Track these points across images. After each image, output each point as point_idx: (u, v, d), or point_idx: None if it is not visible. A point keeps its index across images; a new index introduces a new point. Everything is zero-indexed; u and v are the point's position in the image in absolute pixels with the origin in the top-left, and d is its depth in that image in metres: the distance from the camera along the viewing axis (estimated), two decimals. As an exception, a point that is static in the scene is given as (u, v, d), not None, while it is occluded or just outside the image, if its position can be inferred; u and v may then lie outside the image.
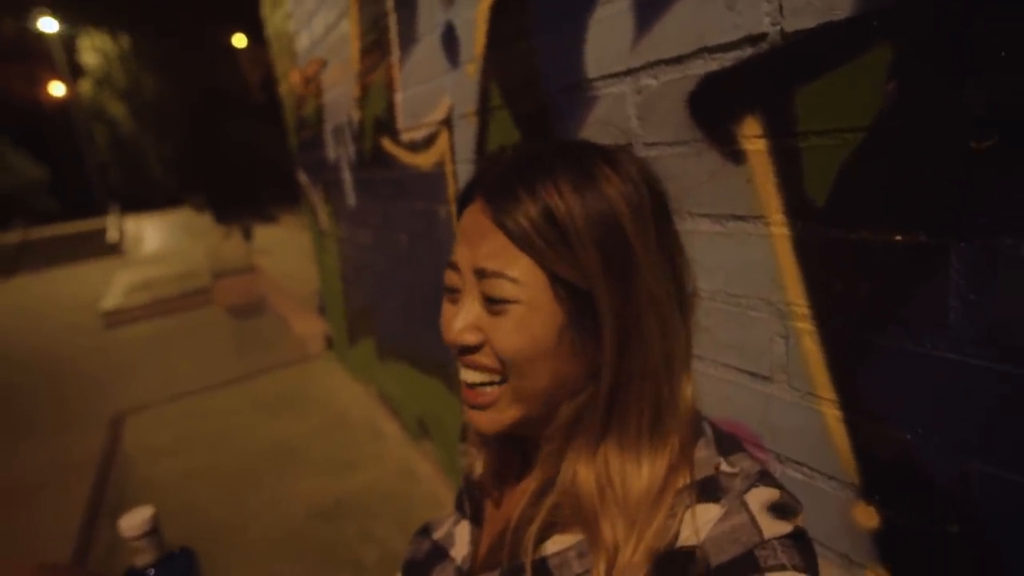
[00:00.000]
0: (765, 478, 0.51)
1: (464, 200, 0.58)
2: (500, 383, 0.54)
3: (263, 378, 4.20)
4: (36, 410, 4.21)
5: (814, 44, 0.68)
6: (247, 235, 12.85)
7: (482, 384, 0.55)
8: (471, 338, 0.53)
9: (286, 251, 9.61)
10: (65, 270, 13.26)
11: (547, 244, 0.50)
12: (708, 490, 0.50)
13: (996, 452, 0.60)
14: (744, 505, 0.48)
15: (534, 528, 0.54)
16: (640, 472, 0.51)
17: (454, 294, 0.56)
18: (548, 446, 0.57)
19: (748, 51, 0.76)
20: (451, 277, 0.56)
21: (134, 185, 27.02)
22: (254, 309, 6.80)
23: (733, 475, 0.51)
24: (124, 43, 25.70)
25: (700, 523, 0.47)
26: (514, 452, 0.66)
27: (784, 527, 0.47)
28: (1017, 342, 0.57)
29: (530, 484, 0.58)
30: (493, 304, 0.52)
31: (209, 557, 2.25)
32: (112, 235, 17.02)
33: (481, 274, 0.52)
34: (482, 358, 0.54)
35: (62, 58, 24.25)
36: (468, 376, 0.56)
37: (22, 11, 24.07)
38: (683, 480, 0.51)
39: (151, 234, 17.70)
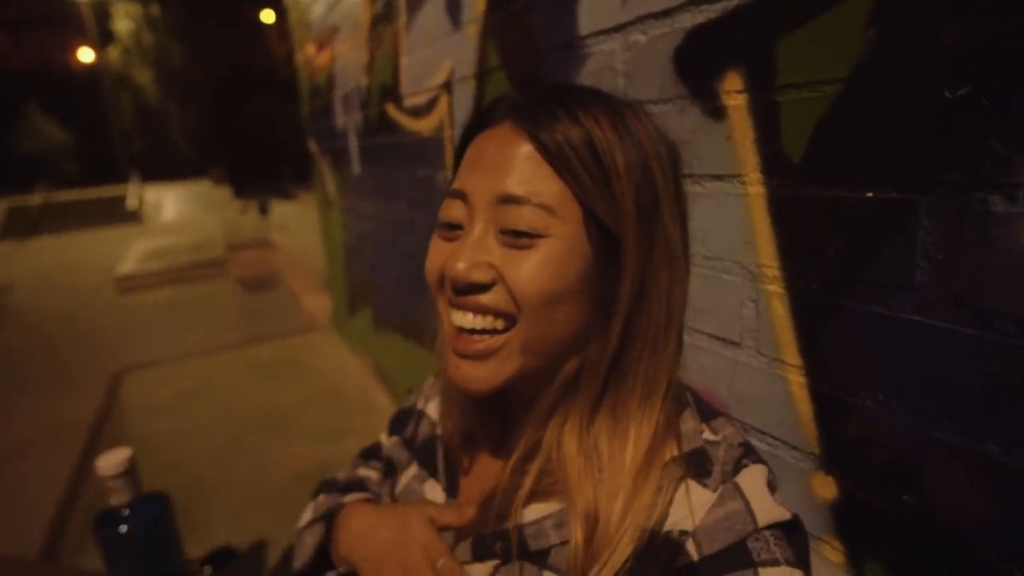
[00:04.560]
0: (750, 452, 0.49)
1: (475, 128, 0.53)
2: (504, 331, 0.48)
3: (264, 345, 4.24)
4: (42, 369, 4.28)
5: (798, -9, 0.66)
6: (264, 210, 12.95)
7: (482, 331, 0.49)
8: (482, 275, 0.47)
9: (301, 227, 9.64)
10: (84, 235, 13.45)
11: (588, 174, 0.46)
12: (697, 464, 0.48)
13: (956, 421, 0.58)
14: (738, 490, 0.46)
15: (522, 494, 0.51)
16: (627, 439, 0.49)
17: (453, 230, 0.50)
18: (538, 407, 0.53)
19: (733, 2, 0.73)
20: (452, 208, 0.50)
21: (156, 154, 27.28)
22: (266, 283, 6.84)
23: (717, 443, 0.49)
24: (154, 11, 25.89)
25: (695, 506, 0.45)
26: (496, 414, 0.62)
27: (778, 513, 0.45)
28: (983, 303, 0.54)
29: (514, 449, 0.54)
30: (517, 237, 0.46)
31: (195, 513, 2.29)
32: (132, 202, 17.22)
33: (506, 200, 0.46)
34: (489, 299, 0.48)
35: (92, 25, 24.50)
36: (465, 320, 0.49)
37: (55, -24, 24.36)
38: (670, 452, 0.48)
39: (170, 204, 17.88)
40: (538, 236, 0.46)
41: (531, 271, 0.46)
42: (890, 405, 0.64)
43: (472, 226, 0.49)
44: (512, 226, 0.46)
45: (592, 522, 0.47)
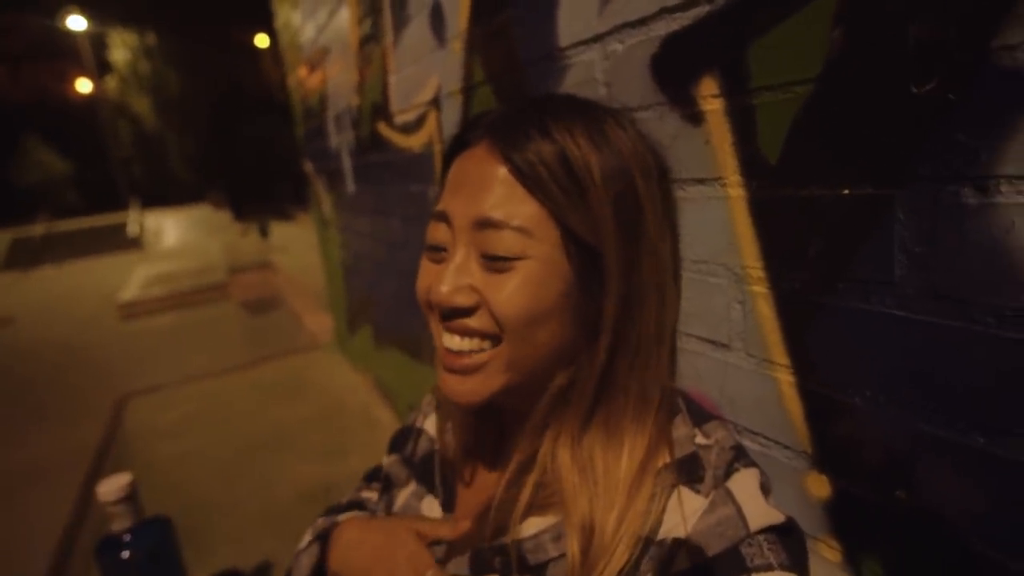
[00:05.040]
0: (741, 455, 0.49)
1: (455, 148, 0.53)
2: (491, 348, 0.49)
3: (267, 366, 4.24)
4: (47, 398, 4.29)
5: (766, -5, 0.67)
6: (264, 232, 13.03)
7: (472, 351, 0.49)
8: (464, 300, 0.48)
9: (301, 248, 9.69)
10: (86, 263, 13.53)
11: (561, 190, 0.45)
12: (689, 470, 0.47)
13: (941, 413, 0.58)
14: (729, 495, 0.45)
15: (519, 508, 0.50)
16: (621, 451, 0.49)
17: (439, 252, 0.51)
18: (532, 420, 0.53)
19: (705, 8, 0.74)
20: (437, 232, 0.51)
21: (155, 181, 27.50)
22: (268, 305, 6.86)
23: (709, 447, 0.49)
24: (150, 40, 26.20)
25: (687, 513, 0.45)
26: (491, 428, 0.62)
27: (771, 517, 0.45)
28: (961, 295, 0.55)
29: (509, 463, 0.55)
30: (495, 261, 0.47)
31: (199, 535, 2.28)
32: (132, 229, 17.35)
33: (483, 225, 0.47)
34: (475, 323, 0.48)
35: (89, 55, 24.79)
36: (453, 343, 0.50)
37: (52, 10, 24.66)
38: (663, 460, 0.49)
39: (170, 229, 17.98)
40: (516, 259, 0.46)
41: (510, 294, 0.46)
42: (877, 401, 0.64)
43: (455, 249, 0.49)
44: (490, 251, 0.47)
45: (588, 534, 0.46)
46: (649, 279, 0.49)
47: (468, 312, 0.48)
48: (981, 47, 0.49)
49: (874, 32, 0.57)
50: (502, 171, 0.47)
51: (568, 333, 0.49)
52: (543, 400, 0.51)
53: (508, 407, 0.57)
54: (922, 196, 0.56)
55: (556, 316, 0.47)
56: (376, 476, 0.79)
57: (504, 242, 0.46)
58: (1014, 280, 0.50)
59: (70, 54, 26.35)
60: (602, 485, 0.48)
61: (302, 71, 3.47)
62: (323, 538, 0.66)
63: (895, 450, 0.63)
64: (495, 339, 0.48)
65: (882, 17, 0.56)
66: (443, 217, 0.50)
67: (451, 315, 0.49)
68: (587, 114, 0.49)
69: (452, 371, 0.50)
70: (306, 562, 0.65)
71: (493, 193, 0.46)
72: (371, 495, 0.76)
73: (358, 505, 0.75)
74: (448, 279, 0.48)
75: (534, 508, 0.51)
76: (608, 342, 0.48)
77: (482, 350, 0.49)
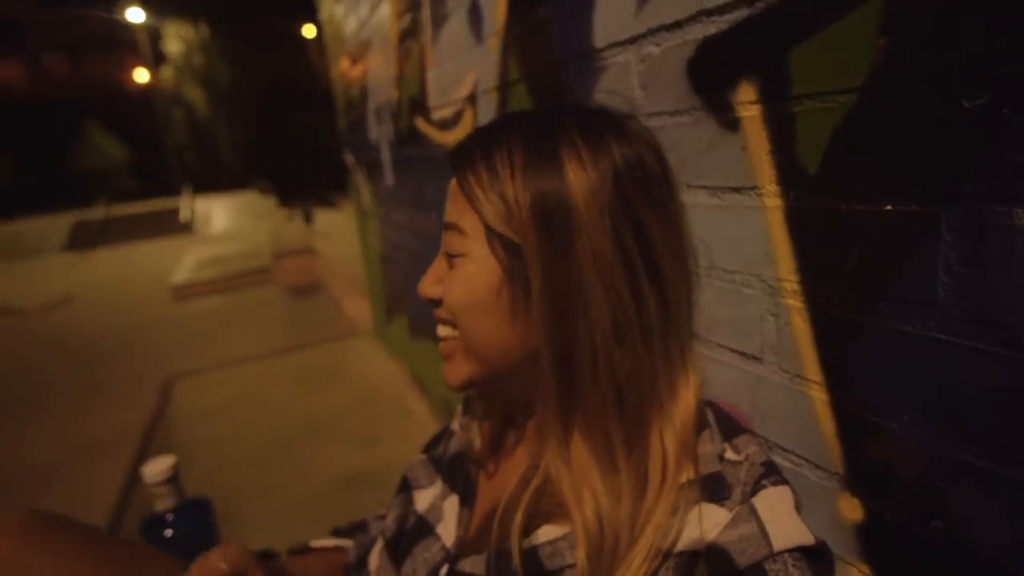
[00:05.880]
0: (771, 472, 0.48)
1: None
2: (456, 337, 0.56)
3: (305, 351, 4.36)
4: (99, 377, 4.52)
5: (808, 1, 0.64)
6: (308, 218, 13.32)
7: (446, 338, 0.58)
8: (432, 291, 0.57)
9: (344, 235, 9.88)
10: (141, 246, 14.14)
11: (486, 197, 0.51)
12: (714, 487, 0.47)
13: (984, 444, 0.55)
14: (753, 512, 0.45)
15: (519, 515, 0.51)
16: (615, 459, 0.49)
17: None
18: (534, 420, 0.57)
19: (744, 12, 0.72)
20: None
21: (206, 168, 28.39)
22: (310, 289, 7.04)
23: (738, 463, 0.49)
24: (204, 32, 27.00)
25: (706, 526, 0.45)
26: (510, 426, 0.66)
27: (797, 538, 0.44)
28: (1008, 320, 0.52)
29: (520, 463, 0.59)
30: (450, 258, 0.55)
31: (236, 517, 2.36)
32: (184, 214, 18.00)
33: (446, 227, 0.56)
34: (441, 311, 0.56)
35: (147, 46, 25.71)
36: (438, 329, 0.59)
37: (111, 3, 25.69)
38: (687, 475, 0.48)
39: (219, 214, 18.59)
40: (458, 256, 0.54)
41: (451, 286, 0.54)
42: (915, 426, 0.61)
43: (440, 251, 0.58)
44: (447, 249, 0.55)
45: (596, 542, 0.47)
46: (588, 275, 0.48)
47: (438, 303, 0.56)
48: (1039, 61, 0.46)
49: (923, 41, 0.54)
50: (454, 184, 0.55)
51: (509, 329, 0.53)
52: (525, 401, 0.57)
53: (503, 396, 0.64)
54: (969, 215, 0.53)
55: (490, 310, 0.52)
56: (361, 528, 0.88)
57: (453, 242, 0.54)
58: (1066, 310, 0.47)
59: (129, 45, 27.43)
60: (603, 495, 0.48)
61: (344, 63, 3.52)
62: None
63: (932, 478, 0.60)
64: (455, 327, 0.56)
65: (931, 25, 0.53)
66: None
67: (431, 304, 0.58)
68: (541, 135, 0.52)
69: (442, 358, 0.59)
70: None
71: (452, 201, 0.56)
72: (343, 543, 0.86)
73: (361, 528, 0.85)
74: (428, 275, 0.58)
75: (549, 516, 0.52)
76: (545, 337, 0.49)
77: (453, 337, 0.56)
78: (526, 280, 0.50)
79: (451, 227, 0.55)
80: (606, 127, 0.52)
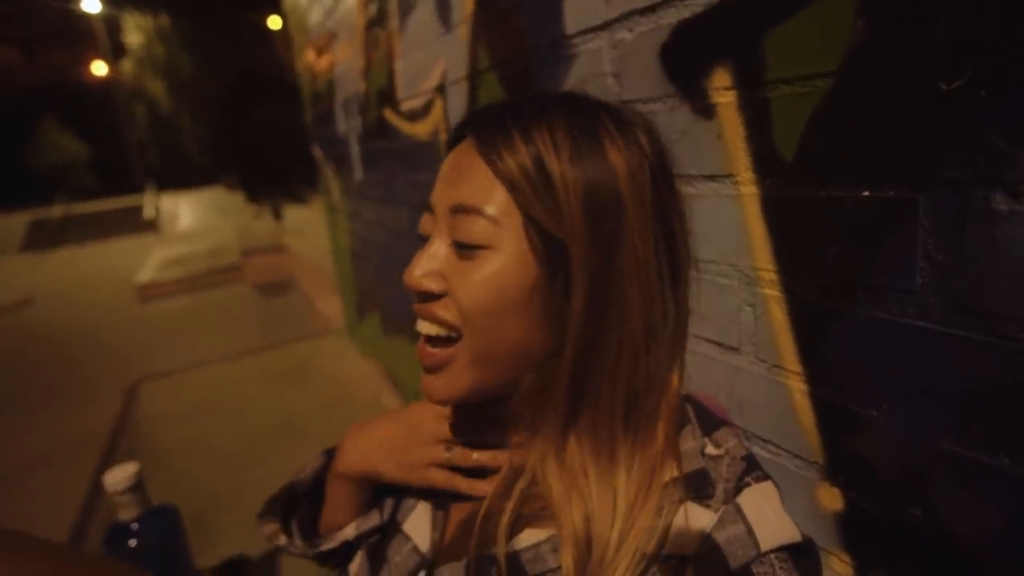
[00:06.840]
0: (752, 467, 0.47)
1: (452, 142, 0.53)
2: (456, 341, 0.48)
3: (278, 351, 4.27)
4: (63, 381, 4.36)
5: (783, -19, 0.63)
6: (277, 215, 13.08)
7: (437, 337, 0.49)
8: (432, 285, 0.48)
9: (315, 231, 9.72)
10: (103, 245, 13.71)
11: (529, 184, 0.44)
12: (697, 486, 0.46)
13: (963, 431, 0.55)
14: (739, 512, 0.43)
15: (505, 519, 0.49)
16: (616, 462, 0.47)
17: (425, 241, 0.51)
18: (520, 422, 0.52)
19: (719, -6, 0.70)
20: (425, 221, 0.51)
21: (170, 163, 27.66)
22: (281, 287, 6.91)
23: (719, 458, 0.47)
24: (164, 22, 26.21)
25: (693, 531, 0.43)
26: (489, 428, 0.60)
27: (784, 536, 0.43)
28: (986, 307, 0.51)
29: (502, 466, 0.54)
30: (463, 249, 0.47)
31: (207, 524, 2.29)
32: (148, 212, 17.50)
33: (456, 211, 0.47)
34: (440, 309, 0.48)
35: (104, 38, 24.84)
36: (423, 326, 0.50)
37: (67, -8, 24.72)
38: (670, 474, 0.46)
39: (185, 212, 18.13)
40: (483, 248, 0.46)
41: (472, 284, 0.46)
42: (895, 415, 0.61)
43: (434, 236, 0.49)
44: (461, 238, 0.47)
45: (584, 546, 0.45)
46: (630, 280, 0.45)
47: (435, 297, 0.48)
48: (1019, 41, 0.45)
49: (900, 23, 0.53)
50: (479, 162, 0.47)
51: (534, 333, 0.47)
52: (522, 400, 0.50)
53: (502, 410, 0.55)
54: (948, 201, 0.52)
55: (520, 312, 0.46)
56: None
57: (472, 228, 0.46)
58: (1047, 295, 0.46)
59: (85, 37, 26.46)
60: (595, 497, 0.46)
61: (310, 55, 3.44)
62: (330, 453, 0.67)
63: (912, 466, 0.60)
64: (457, 331, 0.48)
65: (909, 6, 0.52)
66: (428, 207, 0.51)
67: (423, 298, 0.49)
68: (580, 112, 0.48)
69: (426, 370, 0.51)
70: (309, 469, 0.67)
71: (469, 181, 0.47)
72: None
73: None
74: (421, 264, 0.48)
75: (530, 520, 0.50)
76: (577, 344, 0.46)
77: (449, 339, 0.49)
78: (567, 280, 0.45)
79: (468, 211, 0.46)
80: (628, 112, 0.49)
